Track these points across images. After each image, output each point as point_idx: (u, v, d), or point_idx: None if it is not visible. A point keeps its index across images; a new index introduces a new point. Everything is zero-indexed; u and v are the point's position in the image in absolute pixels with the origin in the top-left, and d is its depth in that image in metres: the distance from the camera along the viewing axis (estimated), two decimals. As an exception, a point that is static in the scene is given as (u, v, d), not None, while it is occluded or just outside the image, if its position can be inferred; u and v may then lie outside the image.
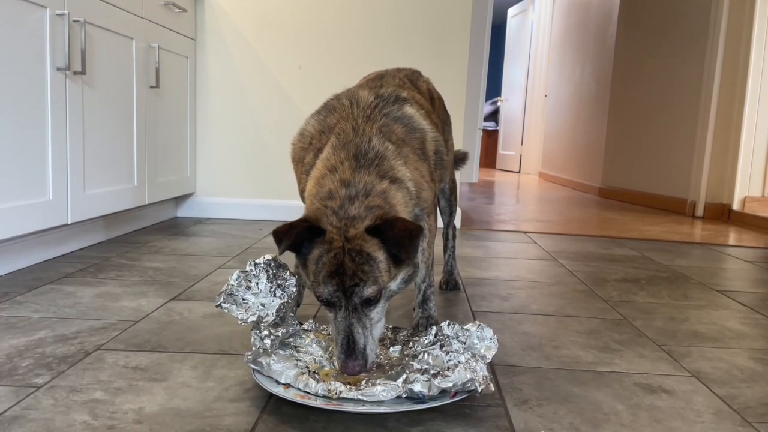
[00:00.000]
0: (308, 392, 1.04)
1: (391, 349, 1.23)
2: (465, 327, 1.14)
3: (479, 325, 1.14)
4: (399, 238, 1.03)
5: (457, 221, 3.16)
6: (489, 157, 9.89)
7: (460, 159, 2.09)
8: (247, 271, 1.20)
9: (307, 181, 1.22)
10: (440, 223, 1.88)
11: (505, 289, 1.94)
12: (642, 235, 3.27)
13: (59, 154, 1.96)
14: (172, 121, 2.88)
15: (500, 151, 9.64)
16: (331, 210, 1.07)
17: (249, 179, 3.22)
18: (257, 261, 1.22)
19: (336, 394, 1.02)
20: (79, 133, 2.07)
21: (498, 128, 9.79)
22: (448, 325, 1.15)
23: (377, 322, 1.09)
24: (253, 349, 1.13)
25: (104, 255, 2.19)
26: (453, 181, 1.85)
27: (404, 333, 1.29)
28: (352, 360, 1.04)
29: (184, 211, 3.23)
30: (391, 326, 1.32)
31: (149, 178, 2.63)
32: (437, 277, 1.91)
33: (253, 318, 1.17)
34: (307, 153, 1.28)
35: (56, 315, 1.49)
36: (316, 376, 1.08)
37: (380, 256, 1.05)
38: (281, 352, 1.15)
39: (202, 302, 1.65)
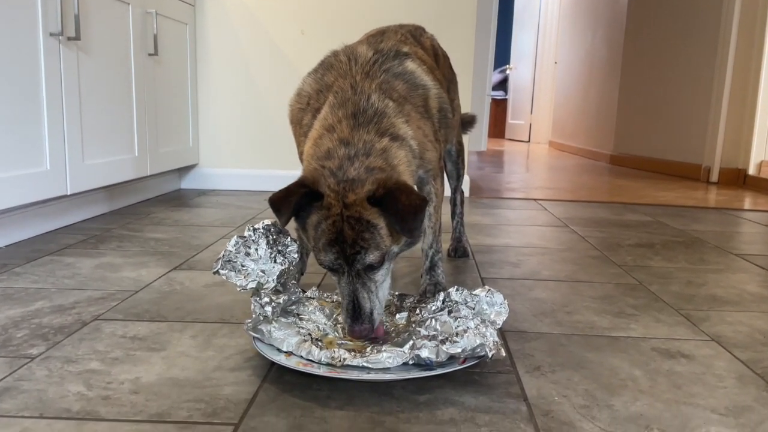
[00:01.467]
0: (311, 360, 1.00)
1: (398, 316, 1.19)
2: (474, 292, 1.09)
3: (489, 290, 1.09)
4: (402, 214, 0.98)
5: (466, 189, 3.10)
6: (498, 127, 9.75)
7: (468, 122, 2.02)
8: (245, 237, 1.15)
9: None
10: (447, 190, 1.82)
11: (515, 255, 1.89)
12: (655, 200, 3.19)
13: (55, 122, 1.91)
14: (172, 90, 2.82)
15: (509, 120, 9.50)
16: (329, 171, 1.02)
17: (253, 150, 3.16)
18: (256, 226, 1.17)
19: (340, 361, 0.98)
20: (75, 100, 2.01)
21: (507, 97, 9.63)
22: (457, 290, 1.10)
23: (382, 282, 1.06)
24: (254, 316, 1.09)
25: (106, 226, 2.15)
26: (460, 143, 1.78)
27: (411, 300, 1.24)
28: (358, 324, 1.02)
29: (187, 183, 3.19)
30: (397, 293, 1.27)
31: (151, 149, 2.58)
32: (445, 245, 1.85)
33: (253, 284, 1.12)
34: (305, 114, 1.22)
35: (54, 286, 1.46)
36: (319, 344, 1.03)
37: (381, 222, 1.00)
38: (283, 319, 1.11)
39: (204, 272, 1.61)
